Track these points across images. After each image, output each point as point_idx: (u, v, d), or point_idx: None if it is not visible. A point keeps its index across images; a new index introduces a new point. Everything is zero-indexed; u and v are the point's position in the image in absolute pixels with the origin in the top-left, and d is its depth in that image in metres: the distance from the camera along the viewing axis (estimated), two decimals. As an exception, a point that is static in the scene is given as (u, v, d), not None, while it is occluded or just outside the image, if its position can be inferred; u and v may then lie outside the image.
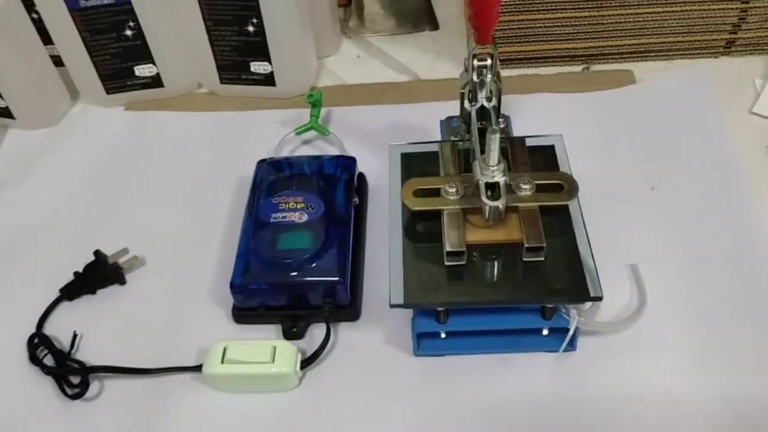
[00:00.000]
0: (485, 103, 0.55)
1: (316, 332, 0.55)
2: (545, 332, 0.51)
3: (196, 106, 0.75)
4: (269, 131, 0.71)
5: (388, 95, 0.74)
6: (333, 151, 0.69)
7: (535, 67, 0.75)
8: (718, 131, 0.66)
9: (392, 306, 0.48)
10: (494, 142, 0.47)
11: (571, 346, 0.51)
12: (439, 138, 0.62)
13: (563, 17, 0.70)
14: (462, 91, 0.55)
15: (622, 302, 0.55)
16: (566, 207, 0.52)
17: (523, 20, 0.71)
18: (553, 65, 0.75)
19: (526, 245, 0.48)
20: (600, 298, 0.47)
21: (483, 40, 0.51)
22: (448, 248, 0.48)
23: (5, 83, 0.70)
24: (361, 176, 0.64)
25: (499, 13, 0.49)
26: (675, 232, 0.59)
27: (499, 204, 0.48)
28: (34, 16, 0.70)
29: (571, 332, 0.49)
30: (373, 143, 0.68)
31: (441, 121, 0.62)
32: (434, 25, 0.82)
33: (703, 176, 0.63)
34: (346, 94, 0.74)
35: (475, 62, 0.53)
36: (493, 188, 0.49)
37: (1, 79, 0.70)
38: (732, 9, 0.69)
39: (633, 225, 0.59)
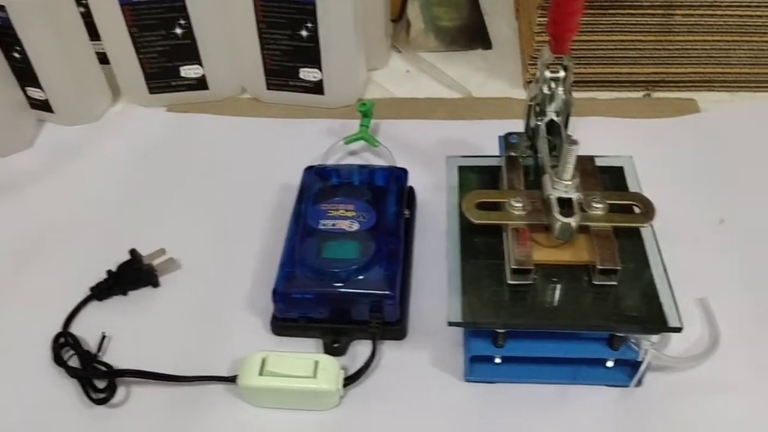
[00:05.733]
0: (554, 117, 0.52)
1: (359, 349, 0.51)
2: (610, 364, 0.47)
3: (238, 111, 0.73)
4: (315, 140, 0.68)
5: (438, 111, 0.71)
6: (381, 163, 0.66)
7: (593, 91, 0.72)
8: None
9: (450, 324, 0.45)
10: (571, 155, 0.45)
11: (637, 381, 0.47)
12: (498, 153, 0.59)
13: (626, 40, 0.68)
14: (530, 104, 0.52)
15: (690, 339, 0.51)
16: (638, 231, 0.48)
17: (583, 41, 0.68)
18: (612, 90, 0.72)
19: (599, 267, 0.44)
20: (680, 329, 0.43)
21: (559, 50, 0.48)
22: (513, 265, 0.45)
23: (47, 76, 0.68)
24: (410, 190, 0.61)
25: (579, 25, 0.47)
26: (746, 267, 0.55)
27: (572, 221, 0.45)
28: (82, 9, 0.68)
29: (643, 366, 0.45)
30: (423, 157, 0.66)
31: (499, 137, 0.59)
32: (487, 45, 0.80)
33: (773, 210, 0.59)
34: (394, 108, 0.72)
35: (548, 73, 0.50)
36: (565, 204, 0.46)
37: (43, 71, 0.68)
38: (804, 41, 0.66)
39: (701, 258, 0.56)
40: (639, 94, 0.72)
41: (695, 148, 0.66)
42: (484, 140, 0.66)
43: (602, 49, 0.69)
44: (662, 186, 0.61)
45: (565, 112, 0.52)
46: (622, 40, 0.68)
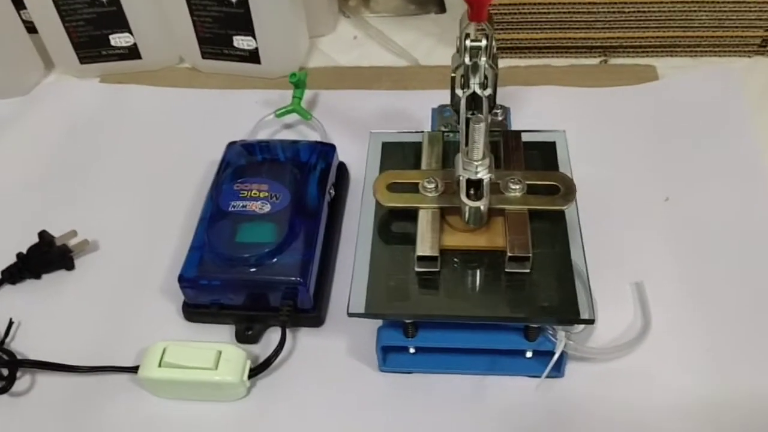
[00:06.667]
0: (478, 90, 0.48)
1: (274, 337, 0.49)
2: (529, 355, 0.45)
3: (176, 81, 0.70)
4: (250, 112, 0.65)
5: (383, 80, 0.68)
6: (315, 136, 0.62)
7: (547, 57, 0.68)
8: (745, 138, 0.58)
9: (350, 315, 0.42)
10: (479, 133, 0.41)
11: (558, 371, 0.45)
12: (430, 128, 0.55)
13: (580, 2, 0.63)
14: (453, 75, 0.49)
15: (622, 326, 0.48)
16: (562, 213, 0.45)
17: (534, 4, 0.64)
18: (567, 56, 0.67)
19: (509, 254, 0.41)
20: (591, 321, 0.40)
21: (477, 17, 0.44)
22: (419, 252, 0.42)
23: (-27, 48, 0.65)
24: (343, 166, 0.58)
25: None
26: (689, 250, 0.52)
27: (481, 205, 0.41)
28: (7, -24, 0.65)
29: (555, 357, 0.42)
30: (360, 131, 0.62)
31: (432, 110, 0.55)
32: (441, 8, 0.75)
33: (725, 189, 0.55)
34: (336, 77, 0.68)
35: (468, 42, 0.46)
36: (475, 186, 0.42)
37: (-31, 43, 0.65)
38: (771, 2, 0.61)
39: (642, 239, 0.52)
40: (596, 61, 0.67)
41: (652, 118, 0.62)
42: (427, 112, 0.63)
43: (555, 12, 0.64)
44: (612, 160, 0.59)
45: (492, 83, 0.48)
46: (575, 3, 0.63)
